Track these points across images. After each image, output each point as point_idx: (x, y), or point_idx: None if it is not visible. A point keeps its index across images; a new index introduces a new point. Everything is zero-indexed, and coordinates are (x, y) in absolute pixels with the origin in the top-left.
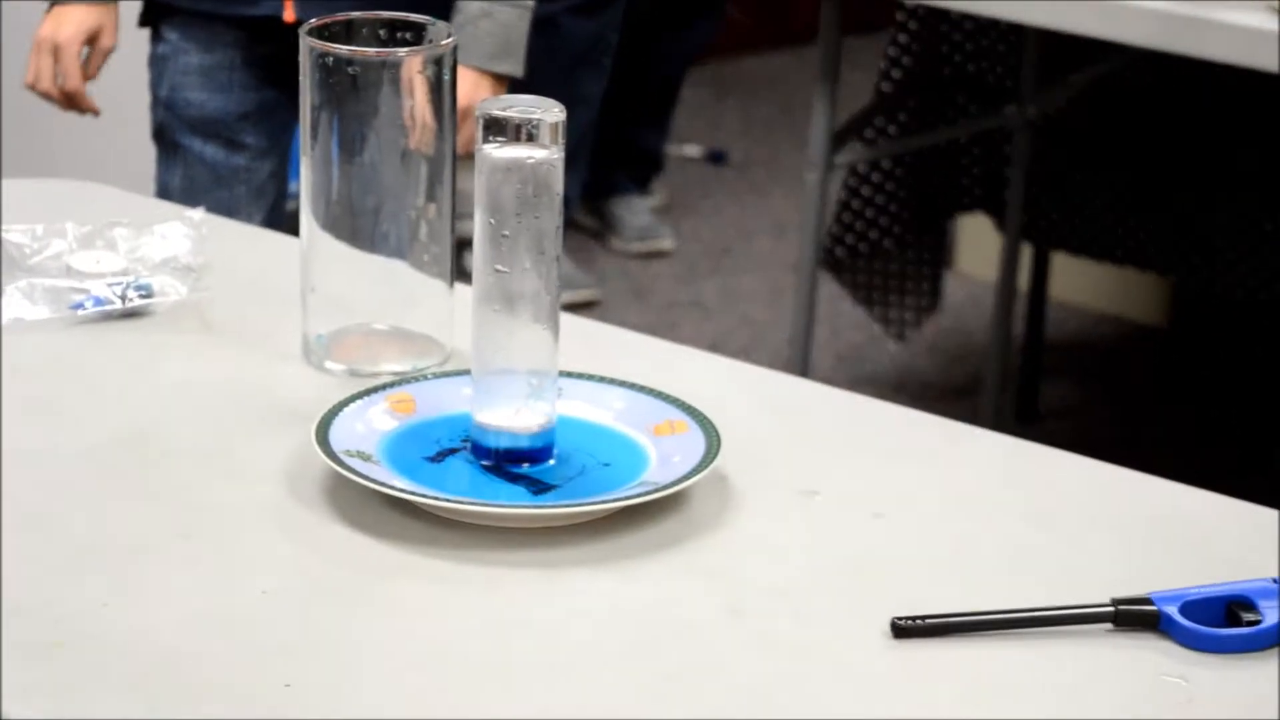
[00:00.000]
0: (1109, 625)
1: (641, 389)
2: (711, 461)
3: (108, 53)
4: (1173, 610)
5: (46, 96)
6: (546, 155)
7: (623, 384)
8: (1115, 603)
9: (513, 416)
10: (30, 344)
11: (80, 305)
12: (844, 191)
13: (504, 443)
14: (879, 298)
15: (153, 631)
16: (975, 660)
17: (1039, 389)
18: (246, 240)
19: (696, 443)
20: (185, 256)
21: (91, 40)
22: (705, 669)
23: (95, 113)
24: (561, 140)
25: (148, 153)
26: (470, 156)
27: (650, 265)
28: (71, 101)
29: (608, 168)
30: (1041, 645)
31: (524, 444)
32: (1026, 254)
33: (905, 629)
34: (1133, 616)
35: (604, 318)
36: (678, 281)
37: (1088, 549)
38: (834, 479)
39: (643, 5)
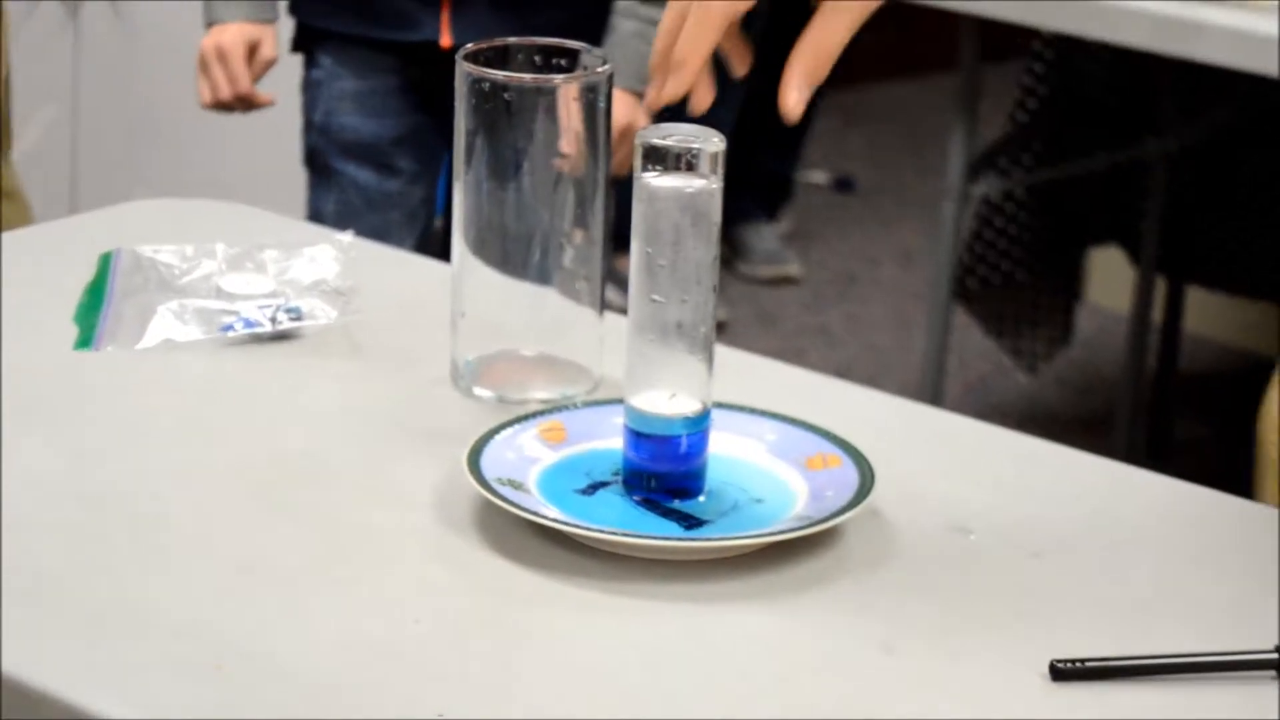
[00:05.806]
0: (1273, 673)
1: (793, 421)
2: (865, 497)
3: (270, 63)
4: None
5: (226, 107)
6: (705, 185)
7: (774, 416)
8: None
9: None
10: (180, 364)
11: (230, 327)
12: (976, 221)
13: (658, 469)
14: (1010, 329)
15: (308, 656)
16: (1135, 705)
17: (1172, 423)
18: (394, 264)
19: (850, 477)
20: (334, 280)
21: (251, 52)
22: (857, 707)
23: (271, 103)
24: (721, 170)
25: (297, 177)
26: (622, 178)
27: (777, 292)
28: (246, 103)
29: (736, 193)
30: (1203, 691)
31: (679, 472)
32: (1160, 287)
33: (1064, 672)
34: None
35: (731, 343)
36: (804, 308)
37: (1250, 593)
38: (988, 516)
39: (777, 33)
